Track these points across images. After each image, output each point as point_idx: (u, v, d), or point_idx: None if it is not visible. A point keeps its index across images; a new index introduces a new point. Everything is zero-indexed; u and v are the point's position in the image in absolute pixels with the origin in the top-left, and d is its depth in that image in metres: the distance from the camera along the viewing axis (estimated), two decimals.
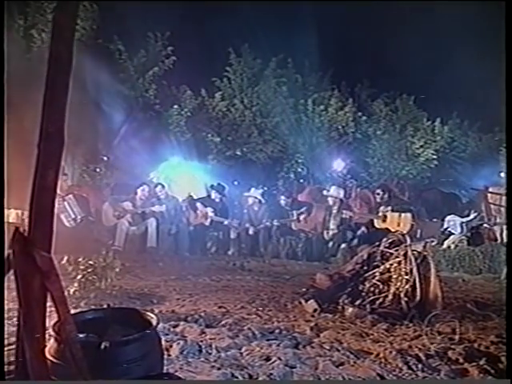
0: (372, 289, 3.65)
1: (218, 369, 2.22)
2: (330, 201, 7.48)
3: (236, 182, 10.22)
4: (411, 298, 3.48)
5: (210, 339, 2.69)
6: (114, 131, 9.13)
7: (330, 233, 7.26)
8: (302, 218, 7.53)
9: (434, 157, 10.89)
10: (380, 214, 7.01)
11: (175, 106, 9.48)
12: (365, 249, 4.12)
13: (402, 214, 6.87)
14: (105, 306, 2.14)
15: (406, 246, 3.71)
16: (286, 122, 10.68)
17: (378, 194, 7.28)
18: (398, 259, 3.67)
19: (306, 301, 3.69)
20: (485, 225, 6.66)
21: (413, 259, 3.59)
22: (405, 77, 11.15)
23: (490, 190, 7.32)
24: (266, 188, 9.63)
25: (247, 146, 10.28)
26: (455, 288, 4.87)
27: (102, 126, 8.81)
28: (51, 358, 1.61)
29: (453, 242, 6.36)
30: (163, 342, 2.16)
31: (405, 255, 3.65)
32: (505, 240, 6.22)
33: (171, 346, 2.49)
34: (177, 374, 2.08)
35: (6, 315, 2.95)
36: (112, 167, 9.06)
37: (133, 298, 3.84)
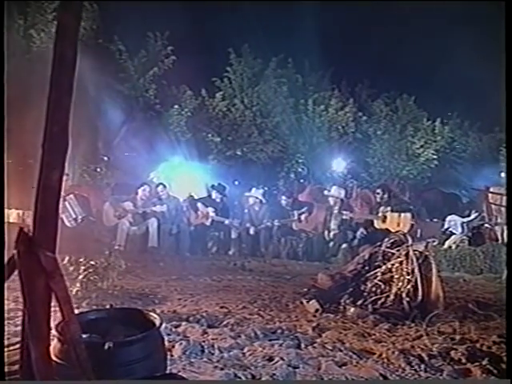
0: (374, 289, 3.65)
1: (221, 369, 2.22)
2: (331, 201, 7.48)
3: (236, 182, 10.22)
4: (413, 298, 3.49)
5: (213, 339, 2.68)
6: (115, 131, 9.13)
7: (331, 233, 7.26)
8: (302, 217, 7.52)
9: (435, 157, 10.89)
10: (380, 214, 7.01)
11: (175, 106, 9.48)
12: (366, 249, 4.13)
13: (402, 214, 6.87)
14: (107, 307, 2.14)
15: (407, 246, 3.72)
16: (286, 121, 10.69)
17: (378, 193, 7.29)
18: (399, 259, 3.67)
19: (308, 301, 3.69)
20: (486, 225, 6.66)
21: (414, 259, 3.59)
22: (405, 77, 11.18)
23: (491, 189, 7.32)
24: (266, 188, 9.62)
25: (247, 146, 10.28)
26: (456, 288, 4.87)
27: (102, 126, 8.82)
28: (54, 359, 1.61)
29: (454, 242, 6.36)
30: (165, 343, 2.16)
31: (406, 255, 3.65)
32: (506, 240, 6.22)
33: (173, 347, 2.49)
34: (180, 374, 2.08)
35: (7, 315, 2.95)
36: (112, 167, 9.06)
37: (134, 298, 3.84)
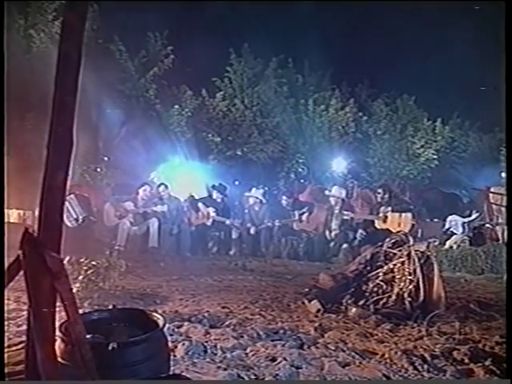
0: (375, 289, 3.65)
1: (224, 369, 2.22)
2: (332, 201, 7.48)
3: (237, 182, 10.22)
4: (415, 299, 3.49)
5: (215, 340, 2.68)
6: (115, 131, 9.13)
7: (333, 233, 7.26)
8: (303, 217, 7.52)
9: (435, 157, 10.88)
10: (381, 214, 7.01)
11: (176, 106, 9.47)
12: (368, 249, 4.13)
13: (403, 214, 6.87)
14: (110, 307, 2.14)
15: (409, 246, 3.72)
16: (286, 121, 10.68)
17: (379, 193, 7.29)
18: (401, 259, 3.67)
19: (310, 301, 3.68)
20: (487, 225, 6.66)
21: (416, 259, 3.59)
22: (405, 77, 11.17)
23: (492, 189, 7.32)
24: (266, 188, 9.62)
25: (248, 146, 10.27)
26: (457, 288, 4.87)
27: (102, 126, 8.81)
28: (58, 359, 1.60)
29: (455, 242, 6.36)
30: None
31: (408, 255, 3.66)
32: (506, 240, 6.22)
33: (176, 347, 2.48)
34: (183, 374, 2.07)
35: (9, 315, 2.95)
36: (113, 167, 9.05)
37: (136, 299, 3.84)
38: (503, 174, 9.14)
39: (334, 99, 11.06)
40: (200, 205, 7.65)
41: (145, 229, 6.97)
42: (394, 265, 3.69)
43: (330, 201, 7.56)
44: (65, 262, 3.60)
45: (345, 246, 6.98)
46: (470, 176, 10.82)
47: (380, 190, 7.29)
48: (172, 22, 9.82)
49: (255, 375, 2.20)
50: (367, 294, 3.65)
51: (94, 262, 3.79)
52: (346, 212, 7.23)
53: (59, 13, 8.07)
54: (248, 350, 2.53)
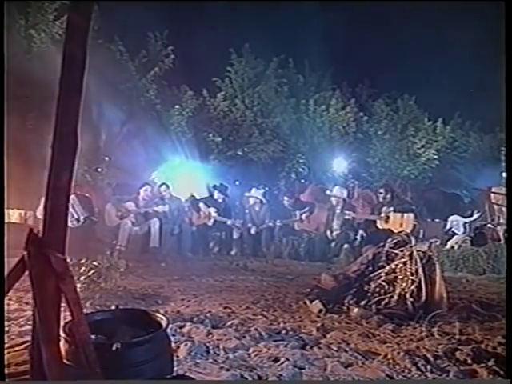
0: (377, 289, 3.65)
1: (227, 370, 2.22)
2: (334, 201, 7.48)
3: (237, 182, 10.21)
4: (417, 299, 3.48)
5: (217, 340, 2.68)
6: (116, 131, 9.12)
7: (334, 233, 7.25)
8: (304, 218, 7.52)
9: (436, 157, 10.86)
10: (383, 214, 7.00)
11: (176, 106, 9.46)
12: (370, 249, 4.12)
13: (405, 215, 6.87)
14: (113, 307, 2.13)
15: (411, 247, 3.72)
16: (287, 121, 10.68)
17: (381, 193, 7.29)
18: (403, 259, 3.67)
19: (311, 301, 3.69)
20: (488, 225, 6.66)
21: (418, 260, 3.59)
22: (405, 77, 11.17)
23: (493, 190, 7.32)
24: (267, 188, 9.61)
25: (248, 146, 10.26)
26: (459, 288, 4.87)
27: (103, 126, 8.81)
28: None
29: (456, 243, 6.35)
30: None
31: (410, 255, 3.65)
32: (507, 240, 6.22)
33: (178, 347, 2.48)
34: (187, 375, 2.07)
35: (12, 315, 2.94)
36: (113, 167, 9.04)
37: (137, 299, 3.84)
38: (504, 174, 9.14)
39: (335, 99, 11.05)
40: (201, 205, 7.65)
41: (146, 229, 6.97)
42: (396, 265, 3.68)
43: (331, 201, 7.55)
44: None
45: (346, 246, 6.98)
46: (471, 176, 10.81)
47: (382, 190, 7.29)
48: (172, 21, 9.82)
49: (258, 375, 2.19)
50: (369, 294, 3.65)
51: (95, 263, 3.80)
52: (347, 212, 7.23)
53: (60, 13, 8.07)
54: (250, 351, 2.53)
